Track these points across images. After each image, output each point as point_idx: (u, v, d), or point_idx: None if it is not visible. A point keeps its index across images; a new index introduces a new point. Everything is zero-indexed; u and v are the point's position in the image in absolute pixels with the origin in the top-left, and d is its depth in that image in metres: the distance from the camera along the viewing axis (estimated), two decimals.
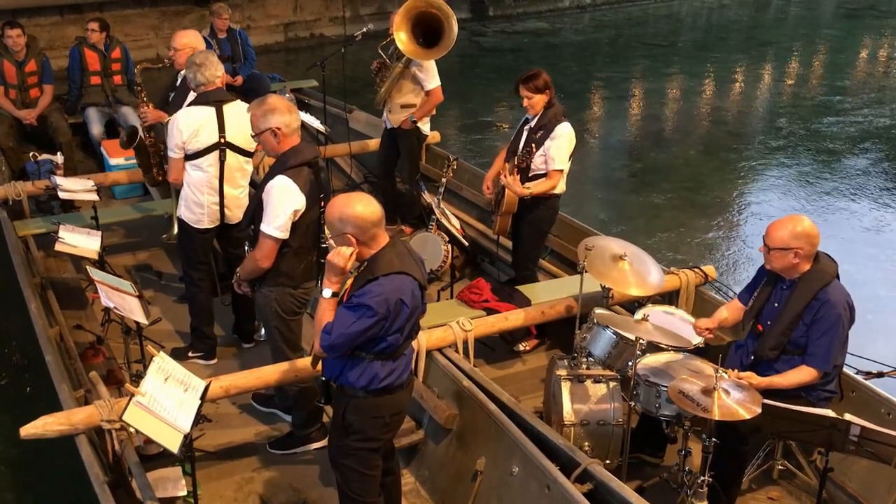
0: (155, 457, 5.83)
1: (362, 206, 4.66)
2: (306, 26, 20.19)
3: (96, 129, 11.01)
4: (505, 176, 7.64)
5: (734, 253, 10.88)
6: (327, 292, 4.81)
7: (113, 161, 10.16)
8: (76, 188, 8.40)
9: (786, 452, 6.52)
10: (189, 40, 7.82)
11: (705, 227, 11.52)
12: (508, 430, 5.86)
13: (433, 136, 10.11)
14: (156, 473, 5.55)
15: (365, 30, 10.71)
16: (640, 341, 6.21)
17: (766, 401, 5.53)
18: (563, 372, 6.54)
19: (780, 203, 12.29)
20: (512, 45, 17.14)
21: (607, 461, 6.26)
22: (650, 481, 6.31)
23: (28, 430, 5.22)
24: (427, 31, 8.91)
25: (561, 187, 7.83)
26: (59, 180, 8.50)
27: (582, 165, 8.85)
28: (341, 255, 4.72)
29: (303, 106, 11.13)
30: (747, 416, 5.43)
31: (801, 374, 5.92)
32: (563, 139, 7.62)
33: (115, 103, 11.16)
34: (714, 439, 5.64)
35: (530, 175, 7.72)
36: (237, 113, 6.80)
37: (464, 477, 6.05)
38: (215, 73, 6.94)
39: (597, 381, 6.52)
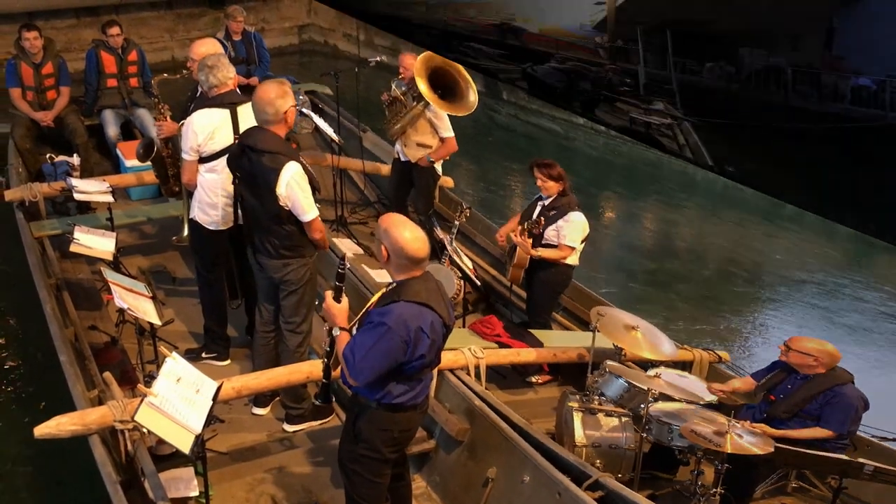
0: (167, 457, 5.84)
1: (408, 234, 4.76)
2: (321, 32, 20.17)
3: (112, 131, 11.01)
4: (517, 235, 7.92)
5: (749, 358, 10.65)
6: (336, 330, 4.99)
7: (129, 163, 10.12)
8: (91, 190, 8.40)
9: (799, 473, 6.69)
10: (207, 49, 7.67)
11: (721, 323, 11.43)
12: (519, 445, 5.93)
13: (446, 181, 10.16)
14: (168, 474, 5.59)
15: (378, 59, 10.87)
16: (653, 391, 6.35)
17: (779, 445, 5.73)
18: (574, 404, 6.67)
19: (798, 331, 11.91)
20: (525, 131, 17.02)
21: (619, 475, 6.29)
22: (663, 491, 6.34)
23: (42, 429, 5.22)
24: (445, 87, 8.93)
25: (573, 260, 8.07)
26: (75, 182, 8.51)
27: (596, 249, 8.95)
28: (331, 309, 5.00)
29: (316, 110, 11.13)
30: (759, 453, 5.56)
31: (815, 432, 6.24)
32: (576, 224, 7.89)
33: (131, 105, 11.15)
34: (727, 464, 5.73)
35: (543, 243, 7.97)
36: (251, 114, 6.62)
37: (475, 483, 6.08)
38: (227, 74, 6.96)
39: (609, 415, 6.63)
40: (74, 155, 10.02)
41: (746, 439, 5.71)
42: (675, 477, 6.70)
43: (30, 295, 7.55)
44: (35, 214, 8.80)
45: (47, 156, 9.90)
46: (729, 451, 5.60)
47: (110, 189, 8.46)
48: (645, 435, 6.34)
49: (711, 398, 6.86)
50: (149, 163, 8.32)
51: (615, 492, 5.51)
